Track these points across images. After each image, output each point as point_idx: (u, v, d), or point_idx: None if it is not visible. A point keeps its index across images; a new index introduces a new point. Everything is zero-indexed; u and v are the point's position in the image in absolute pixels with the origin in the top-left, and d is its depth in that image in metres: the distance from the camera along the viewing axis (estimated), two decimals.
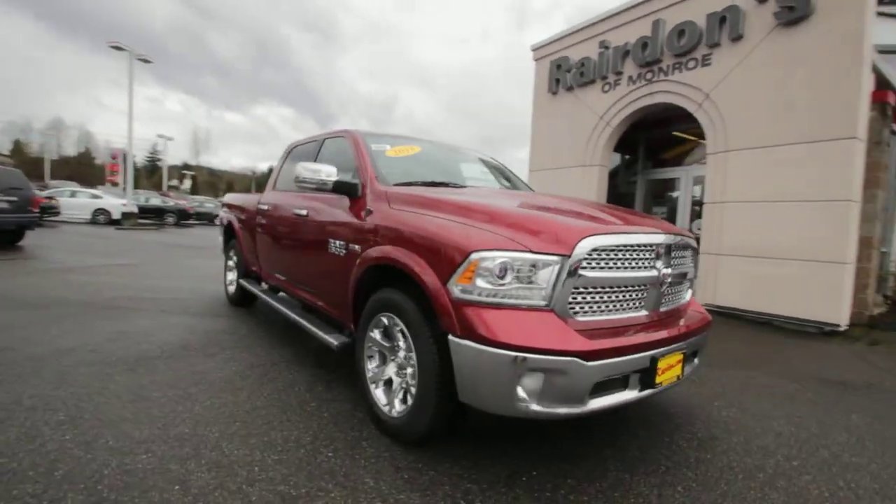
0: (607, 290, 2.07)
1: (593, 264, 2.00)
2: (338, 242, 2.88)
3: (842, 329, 5.34)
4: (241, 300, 5.26)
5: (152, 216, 21.76)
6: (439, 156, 3.65)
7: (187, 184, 52.28)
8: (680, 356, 2.29)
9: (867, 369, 4.14)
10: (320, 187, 2.89)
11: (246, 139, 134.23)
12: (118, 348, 3.53)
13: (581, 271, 1.96)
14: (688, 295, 2.68)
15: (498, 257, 1.92)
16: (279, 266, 4.00)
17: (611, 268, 2.06)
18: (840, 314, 5.31)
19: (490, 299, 1.93)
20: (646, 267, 2.19)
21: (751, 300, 5.88)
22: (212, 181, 79.94)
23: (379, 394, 2.50)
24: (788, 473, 2.26)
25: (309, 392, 2.92)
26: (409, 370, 2.30)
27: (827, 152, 5.35)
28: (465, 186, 3.17)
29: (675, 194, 8.65)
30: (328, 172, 2.87)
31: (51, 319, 4.23)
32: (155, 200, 23.04)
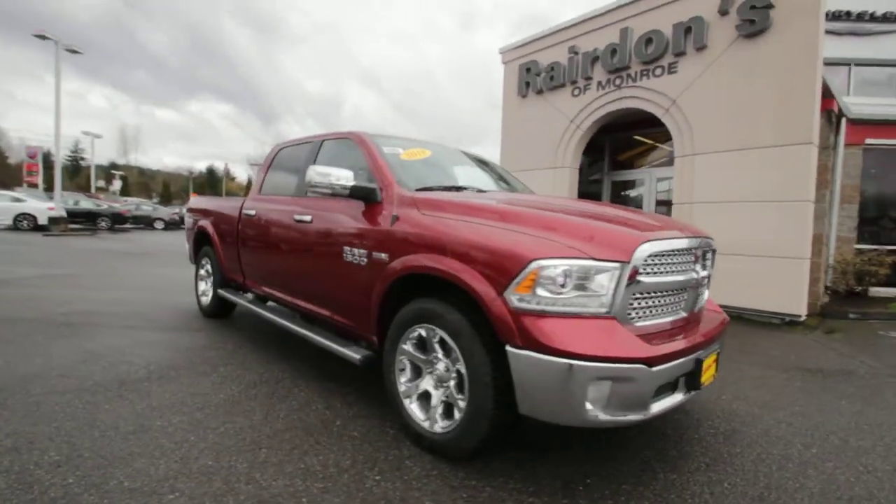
0: (658, 294, 2.09)
1: (649, 270, 2.01)
2: (357, 251, 2.72)
3: (801, 319, 5.80)
4: (218, 311, 4.90)
5: (83, 220, 19.90)
6: (447, 159, 3.56)
7: (117, 185, 48.39)
8: (715, 355, 2.35)
9: (835, 357, 4.51)
10: (336, 192, 2.72)
11: (180, 137, 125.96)
12: (93, 371, 3.16)
13: (639, 277, 1.96)
14: (706, 295, 2.77)
15: (559, 265, 1.87)
16: (273, 276, 3.75)
17: (663, 272, 2.08)
18: (801, 306, 5.76)
19: (551, 308, 1.88)
20: (688, 270, 2.23)
21: (722, 295, 6.22)
22: (143, 182, 74.50)
23: (415, 409, 2.38)
24: (813, 461, 2.39)
25: (328, 409, 2.74)
26: (452, 383, 2.22)
27: (787, 156, 5.79)
28: (485, 191, 3.11)
29: (635, 194, 9.07)
30: (344, 176, 2.71)
31: None
32: (86, 203, 21.06)
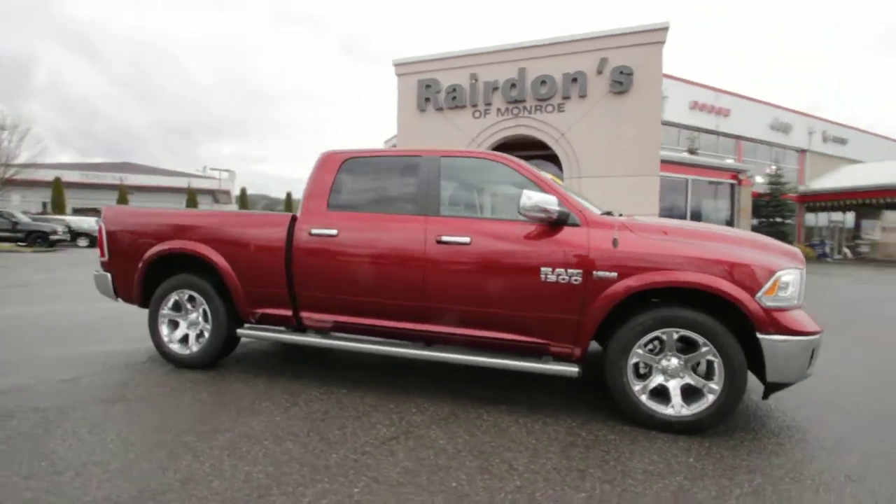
0: None
1: None
2: (566, 271, 2.92)
3: None
4: (216, 358, 3.86)
5: None
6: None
7: None
8: None
9: None
10: (547, 217, 2.90)
11: None
12: (232, 467, 2.36)
13: None
14: None
15: (788, 273, 2.72)
16: (382, 302, 3.35)
17: None
18: None
19: (783, 304, 2.71)
20: None
21: None
22: None
23: (652, 403, 2.84)
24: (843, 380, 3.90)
25: (545, 426, 2.86)
26: (690, 373, 2.80)
27: (643, 183, 8.09)
28: (633, 215, 3.67)
29: None
30: (553, 202, 2.90)
31: None
32: None
